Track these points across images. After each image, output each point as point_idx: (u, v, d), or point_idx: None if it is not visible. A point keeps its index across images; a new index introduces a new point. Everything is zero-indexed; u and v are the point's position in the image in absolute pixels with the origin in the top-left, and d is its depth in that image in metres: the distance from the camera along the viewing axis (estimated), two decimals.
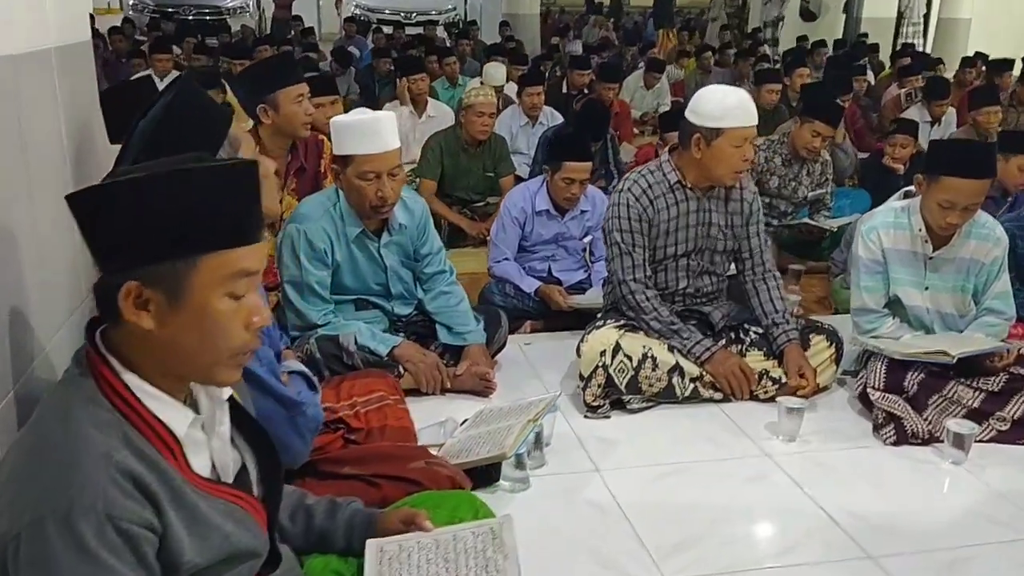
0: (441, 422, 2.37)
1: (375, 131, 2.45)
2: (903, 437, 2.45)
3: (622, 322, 2.72)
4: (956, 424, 2.36)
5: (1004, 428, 2.49)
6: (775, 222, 4.49)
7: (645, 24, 21.39)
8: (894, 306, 2.78)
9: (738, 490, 2.22)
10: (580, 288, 3.56)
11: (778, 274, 2.89)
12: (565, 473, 2.26)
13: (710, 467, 2.33)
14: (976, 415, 2.50)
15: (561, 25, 17.62)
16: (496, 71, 6.46)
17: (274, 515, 1.29)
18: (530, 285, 3.48)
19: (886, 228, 2.73)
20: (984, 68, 8.04)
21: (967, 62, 9.02)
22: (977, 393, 2.53)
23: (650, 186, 2.72)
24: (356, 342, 2.51)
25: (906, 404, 2.50)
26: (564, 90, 7.89)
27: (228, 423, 1.22)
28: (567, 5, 26.28)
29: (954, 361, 2.49)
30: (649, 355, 2.62)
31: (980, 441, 2.46)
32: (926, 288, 2.73)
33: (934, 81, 6.46)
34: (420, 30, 13.76)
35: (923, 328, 2.77)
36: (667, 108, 8.72)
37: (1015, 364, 2.59)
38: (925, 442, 2.44)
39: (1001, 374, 2.57)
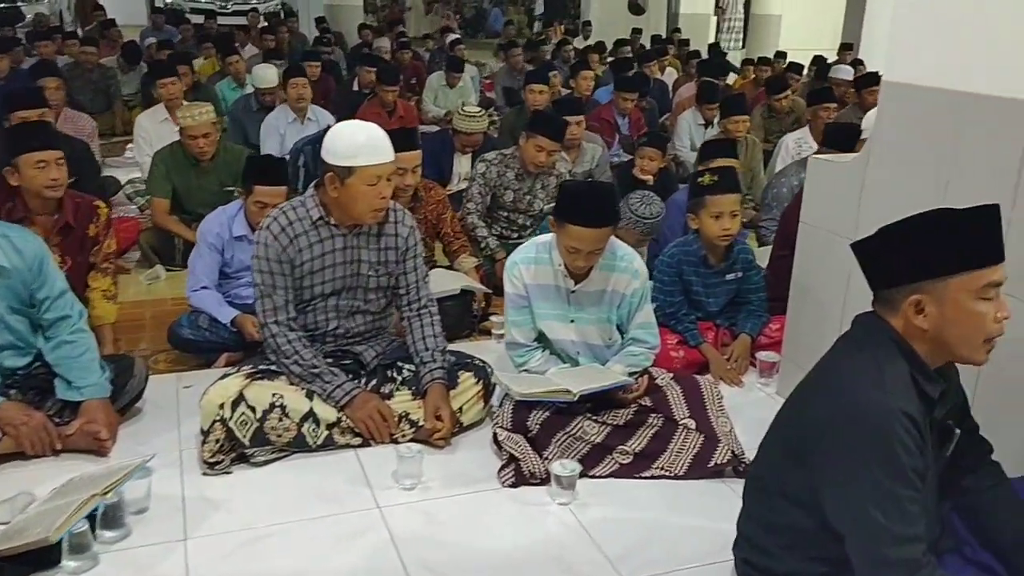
0: (11, 498, 2.17)
1: None
2: (521, 479, 2.43)
3: (260, 368, 2.60)
4: (560, 466, 2.35)
5: (626, 461, 2.51)
6: (515, 235, 4.50)
7: (488, 13, 21.34)
8: (543, 339, 2.78)
9: (326, 552, 2.12)
10: None
11: (435, 309, 2.83)
12: (146, 546, 2.11)
13: (309, 527, 2.22)
14: (600, 450, 2.52)
15: (397, 13, 17.36)
16: (265, 72, 6.19)
17: None
18: (226, 315, 3.31)
19: (527, 264, 2.72)
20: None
21: (763, 61, 9.45)
22: (603, 428, 2.55)
23: (291, 223, 2.60)
24: None
25: (527, 444, 2.49)
26: (355, 87, 7.74)
27: None
28: None
29: (576, 399, 2.51)
30: (278, 404, 2.51)
31: (601, 476, 2.48)
32: (571, 321, 2.74)
33: (705, 85, 6.66)
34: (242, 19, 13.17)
35: (570, 360, 2.78)
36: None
37: (645, 395, 2.64)
38: (543, 482, 2.42)
39: (630, 407, 2.60)
